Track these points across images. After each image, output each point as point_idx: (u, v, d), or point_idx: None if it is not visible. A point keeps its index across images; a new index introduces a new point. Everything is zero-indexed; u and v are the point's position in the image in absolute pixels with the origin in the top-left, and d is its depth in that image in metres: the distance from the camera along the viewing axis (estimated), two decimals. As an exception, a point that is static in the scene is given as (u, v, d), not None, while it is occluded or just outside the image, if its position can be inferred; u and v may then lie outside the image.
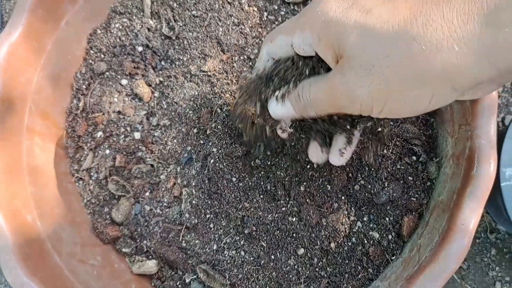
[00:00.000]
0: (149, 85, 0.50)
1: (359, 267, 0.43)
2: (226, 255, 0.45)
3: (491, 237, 0.58)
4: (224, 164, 0.44)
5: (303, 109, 0.32)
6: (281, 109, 0.33)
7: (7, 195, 0.42)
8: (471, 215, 0.36)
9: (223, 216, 0.45)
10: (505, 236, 0.58)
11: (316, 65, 0.31)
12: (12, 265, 0.39)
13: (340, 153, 0.35)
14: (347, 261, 0.43)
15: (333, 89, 0.28)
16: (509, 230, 0.53)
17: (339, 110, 0.29)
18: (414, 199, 0.43)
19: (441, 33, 0.23)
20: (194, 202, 0.46)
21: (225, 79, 0.48)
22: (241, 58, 0.49)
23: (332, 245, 0.43)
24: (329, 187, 0.43)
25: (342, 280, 0.43)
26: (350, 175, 0.44)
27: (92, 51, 0.51)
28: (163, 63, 0.51)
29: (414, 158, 0.44)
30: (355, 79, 0.26)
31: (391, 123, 0.44)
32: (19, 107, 0.45)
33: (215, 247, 0.45)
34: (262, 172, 0.45)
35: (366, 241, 0.43)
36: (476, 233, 0.59)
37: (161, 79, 0.50)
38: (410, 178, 0.43)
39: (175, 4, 0.51)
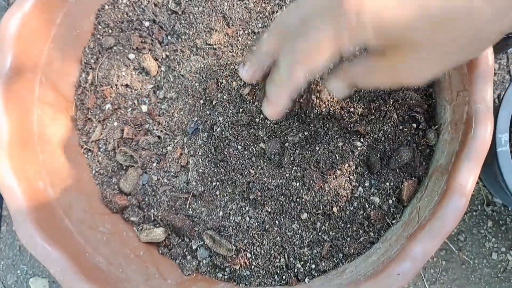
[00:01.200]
0: (156, 59, 0.52)
1: (361, 231, 0.45)
2: (232, 221, 0.46)
3: (488, 209, 0.60)
4: (230, 132, 0.46)
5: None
6: None
7: (20, 161, 0.43)
8: (469, 175, 0.38)
9: (229, 183, 0.47)
10: (501, 209, 0.60)
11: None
12: (26, 227, 0.40)
13: None
14: (349, 225, 0.45)
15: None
16: (503, 198, 0.54)
17: None
18: (414, 165, 0.45)
19: None
20: (200, 170, 0.48)
21: (230, 51, 0.49)
22: (246, 32, 0.50)
23: (335, 209, 0.44)
24: (333, 154, 0.45)
25: (344, 243, 0.44)
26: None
27: (100, 26, 0.52)
28: (169, 37, 0.52)
29: (415, 125, 0.45)
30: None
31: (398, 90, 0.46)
32: (30, 78, 0.47)
33: (221, 213, 0.47)
34: (266, 139, 0.46)
35: (367, 206, 0.45)
36: (473, 206, 0.61)
37: (168, 53, 0.52)
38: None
39: (181, -19, 0.52)
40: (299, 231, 0.45)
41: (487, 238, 0.60)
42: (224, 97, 0.47)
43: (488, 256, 0.59)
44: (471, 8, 0.26)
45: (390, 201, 0.45)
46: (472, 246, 0.60)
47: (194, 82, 0.50)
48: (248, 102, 0.45)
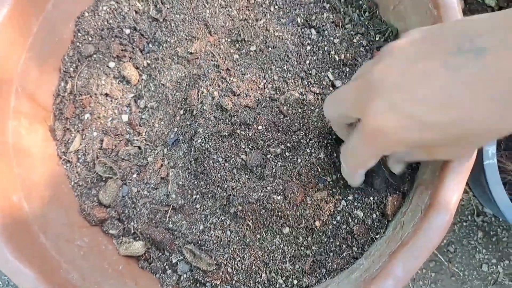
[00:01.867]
0: (137, 68, 0.51)
1: (344, 246, 0.43)
2: (212, 235, 0.45)
3: (478, 220, 0.59)
4: (210, 144, 0.44)
5: None
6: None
7: (-8, 174, 0.42)
8: (454, 190, 0.36)
9: (209, 196, 0.45)
10: (492, 219, 0.59)
11: None
12: (-3, 243, 0.39)
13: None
14: (332, 240, 0.43)
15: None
16: (493, 209, 0.53)
17: None
18: (399, 178, 0.43)
19: None
20: (180, 183, 0.46)
21: (212, 60, 0.48)
22: (228, 40, 0.49)
23: (317, 223, 0.43)
24: (314, 166, 0.44)
25: (327, 258, 0.43)
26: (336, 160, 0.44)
27: (79, 34, 0.51)
28: (150, 45, 0.51)
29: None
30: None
31: None
32: (4, 88, 0.45)
33: (201, 227, 0.46)
34: (247, 150, 0.45)
35: (350, 220, 0.43)
36: (463, 216, 0.60)
37: (149, 61, 0.50)
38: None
39: (162, -13, 0.51)
40: (281, 246, 0.44)
41: (477, 249, 0.59)
42: (205, 107, 0.45)
43: (479, 267, 0.58)
44: (490, 129, 0.27)
45: (374, 216, 0.43)
46: (462, 258, 0.59)
47: (175, 91, 0.48)
48: (229, 112, 0.44)
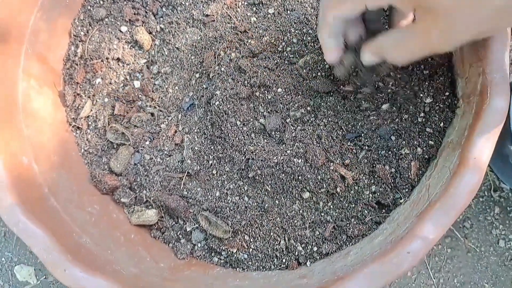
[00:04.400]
0: (150, 33, 0.49)
1: (366, 211, 0.42)
2: (229, 201, 0.44)
3: (495, 195, 0.58)
4: (228, 106, 0.43)
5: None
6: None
7: (2, 135, 0.40)
8: (484, 148, 0.35)
9: (226, 160, 0.44)
10: (509, 195, 0.57)
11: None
12: (7, 202, 0.37)
13: None
14: (353, 205, 0.42)
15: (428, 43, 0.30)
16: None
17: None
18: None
19: None
20: (196, 148, 0.45)
21: (228, 23, 0.47)
22: (245, 3, 0.48)
23: (338, 188, 0.42)
24: (340, 132, 0.42)
25: (348, 224, 0.42)
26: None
27: (91, -3, 0.50)
28: (164, 9, 0.49)
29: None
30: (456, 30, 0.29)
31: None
32: (15, 47, 0.44)
33: (217, 193, 0.44)
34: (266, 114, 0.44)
35: (373, 185, 0.42)
36: (479, 191, 0.59)
37: (162, 26, 0.49)
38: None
39: (177, -49, 0.49)
40: (301, 212, 0.43)
41: (494, 225, 0.57)
42: (222, 69, 0.44)
43: (495, 243, 0.57)
44: None
45: (398, 179, 0.42)
46: (479, 233, 0.58)
47: (190, 55, 0.47)
48: (248, 74, 0.43)
